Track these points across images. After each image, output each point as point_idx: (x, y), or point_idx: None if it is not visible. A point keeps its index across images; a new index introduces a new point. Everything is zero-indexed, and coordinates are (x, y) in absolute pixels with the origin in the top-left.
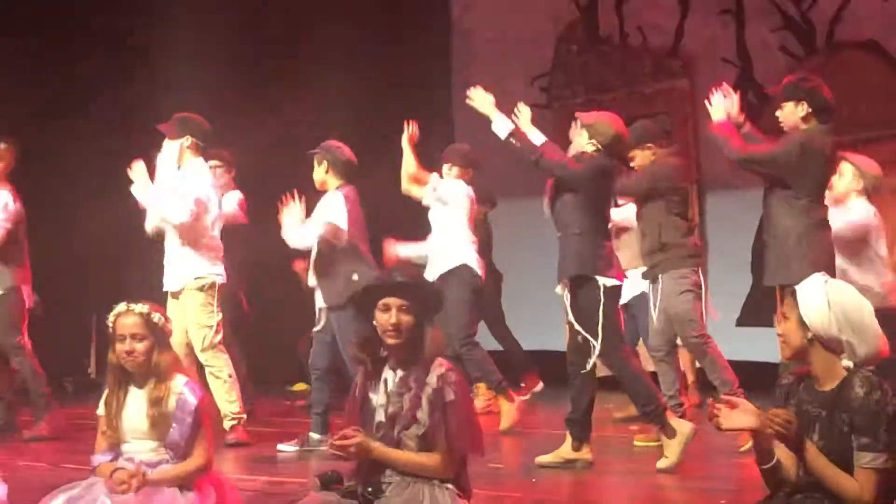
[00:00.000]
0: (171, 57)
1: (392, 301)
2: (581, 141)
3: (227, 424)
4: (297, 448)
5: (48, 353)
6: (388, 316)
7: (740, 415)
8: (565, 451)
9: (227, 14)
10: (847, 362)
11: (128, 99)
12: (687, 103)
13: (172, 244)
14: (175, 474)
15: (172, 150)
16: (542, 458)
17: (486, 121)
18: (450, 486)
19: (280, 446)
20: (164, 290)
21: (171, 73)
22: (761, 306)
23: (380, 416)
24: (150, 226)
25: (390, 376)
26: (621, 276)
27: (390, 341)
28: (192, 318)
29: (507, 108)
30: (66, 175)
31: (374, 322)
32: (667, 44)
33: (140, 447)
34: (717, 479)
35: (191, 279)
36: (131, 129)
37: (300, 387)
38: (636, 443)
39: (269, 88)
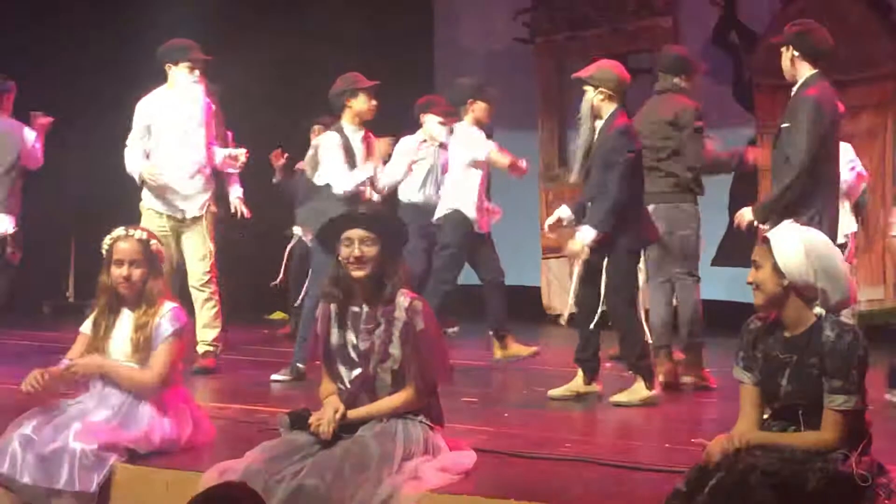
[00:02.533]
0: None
1: (354, 234)
2: (589, 96)
3: (201, 349)
4: (289, 378)
5: (26, 277)
6: (351, 249)
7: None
8: (577, 384)
9: None
10: (819, 309)
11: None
12: (670, 41)
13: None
14: (120, 373)
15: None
16: (554, 392)
17: (465, 55)
18: (421, 418)
19: (274, 376)
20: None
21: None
22: (736, 247)
23: (354, 354)
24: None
25: (357, 312)
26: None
27: (354, 273)
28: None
29: (490, 42)
30: (49, 102)
31: (339, 256)
32: None
33: None
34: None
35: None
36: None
37: (278, 315)
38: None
39: (254, 28)
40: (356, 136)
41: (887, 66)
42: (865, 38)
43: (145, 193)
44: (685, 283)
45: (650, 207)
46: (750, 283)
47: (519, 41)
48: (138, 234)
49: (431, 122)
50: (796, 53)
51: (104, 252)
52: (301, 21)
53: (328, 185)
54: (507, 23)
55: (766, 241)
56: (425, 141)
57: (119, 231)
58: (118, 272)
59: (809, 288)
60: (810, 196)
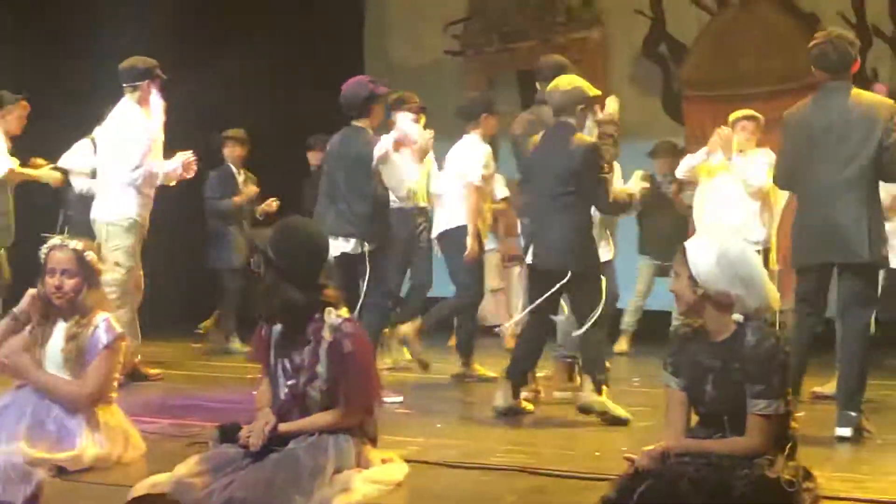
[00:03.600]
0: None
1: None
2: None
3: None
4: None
5: None
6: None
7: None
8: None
9: None
10: (737, 316)
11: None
12: (599, 53)
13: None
14: (54, 385)
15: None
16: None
17: (395, 69)
18: (352, 435)
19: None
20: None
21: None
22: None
23: (289, 368)
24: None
25: (277, 332)
26: None
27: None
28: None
29: (420, 54)
30: None
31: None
32: None
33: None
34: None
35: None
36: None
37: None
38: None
39: (194, 41)
40: None
41: (810, 77)
42: (794, 49)
43: (133, 203)
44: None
45: None
46: (672, 292)
47: (450, 53)
48: (73, 244)
49: (404, 120)
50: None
51: (42, 260)
52: (236, 36)
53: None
54: (437, 35)
55: (683, 250)
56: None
57: (55, 240)
58: (52, 282)
59: (723, 295)
60: None
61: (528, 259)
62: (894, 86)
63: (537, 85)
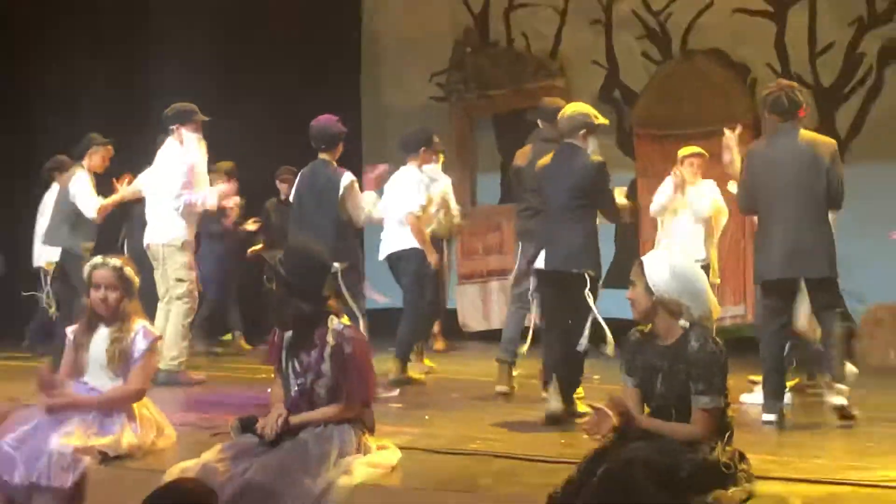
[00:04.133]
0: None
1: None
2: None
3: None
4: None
5: (11, 304)
6: None
7: (605, 420)
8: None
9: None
10: (684, 322)
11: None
12: (563, 98)
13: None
14: (104, 398)
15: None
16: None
17: (388, 112)
18: (353, 426)
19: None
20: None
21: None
22: (622, 271)
23: (299, 368)
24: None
25: (288, 337)
26: None
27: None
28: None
29: (409, 99)
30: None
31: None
32: (546, 48)
33: (98, 377)
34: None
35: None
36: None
37: (228, 337)
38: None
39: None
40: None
41: (745, 118)
42: (726, 94)
43: (181, 227)
44: None
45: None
46: (628, 299)
47: (435, 100)
48: (114, 262)
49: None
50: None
51: (85, 279)
52: (252, 84)
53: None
54: (424, 83)
55: (641, 263)
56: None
57: (97, 259)
58: (97, 296)
59: (674, 303)
60: None
61: (541, 265)
62: (816, 126)
63: (539, 123)
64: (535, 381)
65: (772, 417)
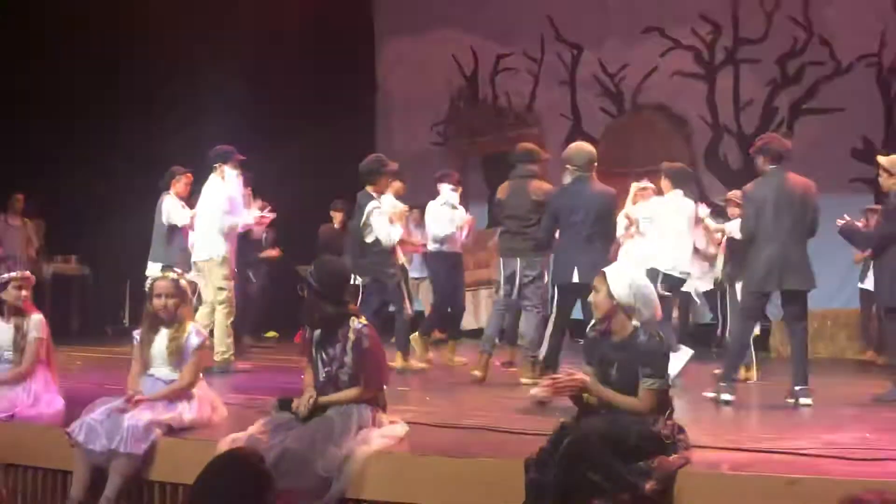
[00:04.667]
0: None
1: None
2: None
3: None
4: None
5: (96, 308)
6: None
7: (568, 383)
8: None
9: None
10: (636, 322)
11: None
12: (537, 143)
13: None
14: (168, 391)
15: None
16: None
17: (398, 154)
18: (370, 405)
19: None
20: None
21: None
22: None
23: (326, 358)
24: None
25: (317, 334)
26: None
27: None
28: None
29: (415, 144)
30: (113, 186)
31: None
32: (524, 104)
33: (160, 369)
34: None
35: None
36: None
37: (271, 334)
38: (522, 380)
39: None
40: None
41: (682, 159)
42: (667, 141)
43: (223, 245)
44: (531, 311)
45: (516, 260)
46: (590, 300)
47: (435, 145)
48: (172, 274)
49: (446, 189)
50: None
51: (147, 289)
52: (285, 130)
53: (377, 242)
54: (426, 132)
55: (604, 274)
56: (445, 203)
57: (157, 273)
58: (158, 302)
59: (630, 307)
60: None
61: (575, 279)
62: (740, 166)
63: (515, 163)
64: (515, 370)
65: (730, 396)
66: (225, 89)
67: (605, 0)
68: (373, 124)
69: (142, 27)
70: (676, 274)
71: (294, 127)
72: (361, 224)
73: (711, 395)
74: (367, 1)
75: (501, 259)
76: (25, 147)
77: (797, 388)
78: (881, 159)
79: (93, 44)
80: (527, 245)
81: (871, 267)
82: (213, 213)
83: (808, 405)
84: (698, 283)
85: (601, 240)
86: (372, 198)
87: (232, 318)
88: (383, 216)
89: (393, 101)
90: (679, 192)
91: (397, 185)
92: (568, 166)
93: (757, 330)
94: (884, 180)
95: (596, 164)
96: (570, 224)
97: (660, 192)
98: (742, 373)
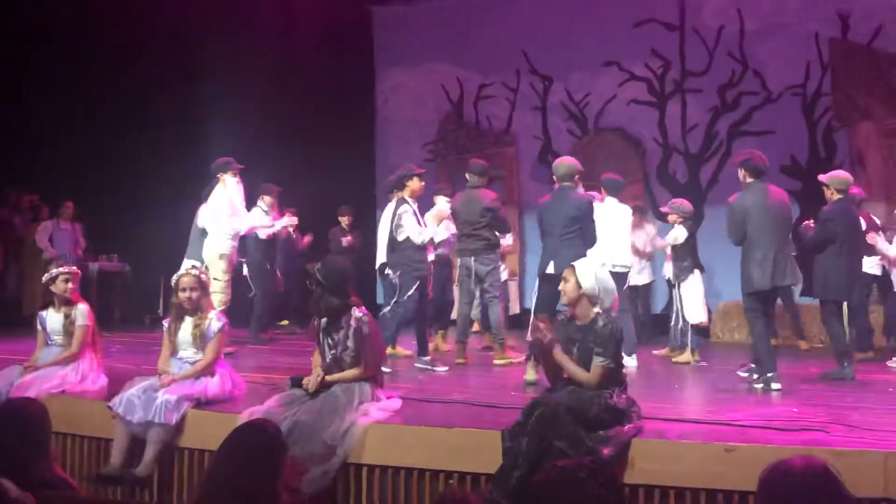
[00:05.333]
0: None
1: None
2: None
3: None
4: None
5: (136, 300)
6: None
7: (544, 331)
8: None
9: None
10: (597, 308)
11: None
12: (514, 161)
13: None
14: (193, 370)
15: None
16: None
17: (394, 170)
18: (370, 383)
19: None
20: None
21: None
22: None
23: (331, 342)
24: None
25: (324, 322)
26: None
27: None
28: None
29: (409, 161)
30: (152, 194)
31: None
32: (502, 126)
33: (187, 352)
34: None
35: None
36: (192, 163)
37: (285, 322)
38: (495, 361)
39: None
40: (414, 207)
41: (636, 175)
42: (624, 159)
43: (224, 244)
44: (493, 301)
45: (471, 258)
46: (560, 289)
47: (426, 161)
48: (195, 270)
49: (441, 201)
50: (743, 171)
51: (173, 283)
52: (292, 145)
53: (408, 239)
54: (419, 150)
55: (573, 267)
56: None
57: (182, 269)
58: (183, 295)
59: (593, 296)
60: None
61: (551, 270)
62: (686, 181)
63: (467, 176)
64: (490, 353)
65: (779, 386)
66: (246, 112)
67: (571, 38)
68: (372, 143)
69: (179, 51)
70: (611, 268)
71: (306, 145)
72: (395, 225)
73: (759, 385)
74: (369, 37)
75: (459, 259)
76: (72, 160)
77: (768, 374)
78: (822, 177)
79: (133, 62)
80: (479, 245)
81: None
82: (216, 217)
83: (779, 389)
84: (637, 277)
85: (580, 239)
86: (404, 202)
87: (224, 306)
88: (412, 217)
89: (390, 123)
90: (614, 200)
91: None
92: (554, 177)
93: (704, 318)
94: (827, 194)
95: (577, 175)
96: (552, 226)
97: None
98: (682, 356)
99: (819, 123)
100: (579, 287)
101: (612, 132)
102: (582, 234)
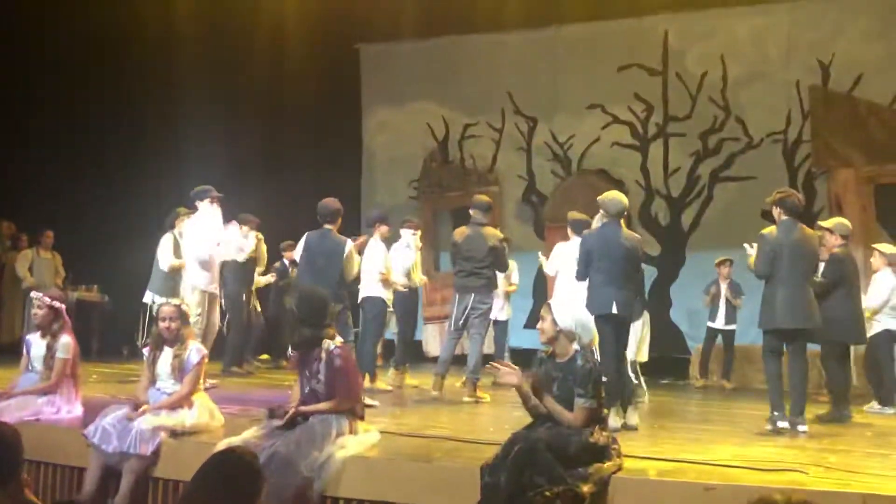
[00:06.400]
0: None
1: None
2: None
3: None
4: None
5: (114, 331)
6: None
7: (510, 376)
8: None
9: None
10: (576, 346)
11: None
12: (498, 200)
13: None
14: (169, 400)
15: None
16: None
17: (380, 206)
18: (347, 415)
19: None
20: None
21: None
22: (537, 317)
23: (308, 374)
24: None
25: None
26: None
27: None
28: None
29: (394, 198)
30: (132, 225)
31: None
32: (487, 165)
33: (165, 383)
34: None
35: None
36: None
37: (264, 356)
38: (465, 399)
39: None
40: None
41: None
42: None
43: (201, 277)
44: (477, 338)
45: (471, 296)
46: (538, 328)
47: (411, 198)
48: (174, 301)
49: (407, 234)
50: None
51: (155, 313)
52: (274, 183)
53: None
54: (405, 187)
55: (549, 305)
56: (408, 246)
57: (162, 300)
58: (163, 325)
59: (571, 333)
60: None
61: (614, 310)
62: (668, 223)
63: (471, 212)
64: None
65: (786, 424)
66: (235, 146)
67: (556, 80)
68: (359, 179)
69: (161, 82)
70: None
71: (293, 180)
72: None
73: (783, 425)
74: (356, 76)
75: (457, 295)
76: (52, 189)
77: (796, 417)
78: (823, 223)
79: (111, 91)
80: (480, 283)
81: (721, 309)
82: (193, 244)
83: (805, 432)
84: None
85: (633, 278)
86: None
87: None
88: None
89: (376, 160)
90: (578, 239)
91: (384, 228)
92: (601, 212)
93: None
94: (831, 239)
95: (626, 212)
96: (604, 263)
97: None
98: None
99: (800, 169)
100: (556, 325)
101: (596, 174)
102: (633, 272)
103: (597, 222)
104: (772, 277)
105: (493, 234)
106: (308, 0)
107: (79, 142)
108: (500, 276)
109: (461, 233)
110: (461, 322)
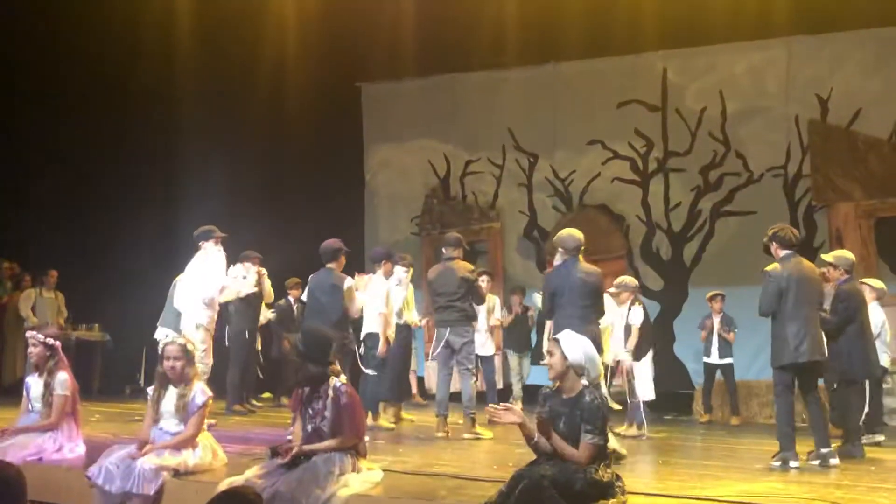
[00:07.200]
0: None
1: None
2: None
3: None
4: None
5: (116, 370)
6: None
7: (509, 415)
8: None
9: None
10: (584, 381)
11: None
12: (499, 236)
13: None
14: (174, 441)
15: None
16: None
17: (382, 242)
18: (350, 453)
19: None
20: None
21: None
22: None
23: (311, 412)
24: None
25: (307, 391)
26: None
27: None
28: None
29: (396, 234)
30: (133, 264)
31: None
32: (488, 201)
33: (168, 423)
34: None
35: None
36: (176, 233)
37: (266, 395)
38: (464, 435)
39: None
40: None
41: (620, 252)
42: (609, 235)
43: (203, 315)
44: (466, 373)
45: (447, 330)
46: (545, 364)
47: (413, 235)
48: (180, 339)
49: (399, 270)
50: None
51: (159, 352)
52: (277, 221)
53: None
54: (406, 224)
55: (557, 339)
56: (399, 283)
57: (167, 339)
58: (167, 364)
59: (579, 367)
60: None
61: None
62: (669, 258)
63: (443, 249)
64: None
65: (797, 464)
66: (237, 184)
67: (556, 116)
68: (361, 216)
69: (163, 123)
70: None
71: (295, 217)
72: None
73: (795, 465)
74: (358, 114)
75: (436, 330)
76: (54, 229)
77: (823, 450)
78: (826, 257)
79: (112, 130)
80: (455, 316)
81: (715, 343)
82: (196, 285)
83: (836, 465)
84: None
85: (595, 314)
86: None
87: (206, 376)
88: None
89: (378, 197)
90: None
91: (388, 266)
92: (560, 249)
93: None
94: (835, 273)
95: (582, 247)
96: (566, 299)
97: None
98: (628, 429)
99: (800, 204)
100: (565, 359)
101: (597, 209)
102: (594, 306)
103: (557, 260)
104: (778, 313)
105: (463, 266)
106: (309, 39)
107: (80, 181)
108: (481, 311)
109: (434, 270)
110: (435, 354)
